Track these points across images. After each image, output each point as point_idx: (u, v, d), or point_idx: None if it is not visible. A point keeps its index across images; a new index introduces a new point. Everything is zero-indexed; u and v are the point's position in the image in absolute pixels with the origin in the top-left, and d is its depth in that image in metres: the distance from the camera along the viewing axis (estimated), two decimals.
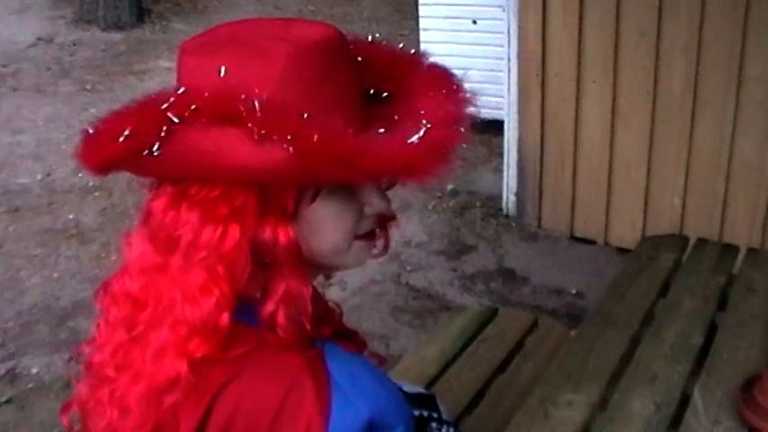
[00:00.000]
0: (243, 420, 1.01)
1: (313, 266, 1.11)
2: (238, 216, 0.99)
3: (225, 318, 1.01)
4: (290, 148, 0.91)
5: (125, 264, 1.08)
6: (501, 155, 4.66)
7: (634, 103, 4.03)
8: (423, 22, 5.81)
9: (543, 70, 4.25)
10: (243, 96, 0.93)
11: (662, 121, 3.97)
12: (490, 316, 2.74)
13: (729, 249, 2.55)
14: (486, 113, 5.40)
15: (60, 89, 7.20)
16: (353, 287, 4.11)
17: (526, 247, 4.44)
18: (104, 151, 0.98)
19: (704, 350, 2.04)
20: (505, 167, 4.58)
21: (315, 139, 0.91)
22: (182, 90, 0.98)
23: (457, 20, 5.65)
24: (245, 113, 0.92)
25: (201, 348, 1.01)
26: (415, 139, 0.95)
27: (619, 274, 2.46)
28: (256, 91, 0.94)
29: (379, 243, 1.19)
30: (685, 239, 2.64)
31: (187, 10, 10.12)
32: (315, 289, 1.22)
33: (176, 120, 0.94)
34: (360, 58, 1.09)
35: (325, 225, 1.07)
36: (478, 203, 4.88)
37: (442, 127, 0.97)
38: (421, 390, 1.76)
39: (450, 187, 5.11)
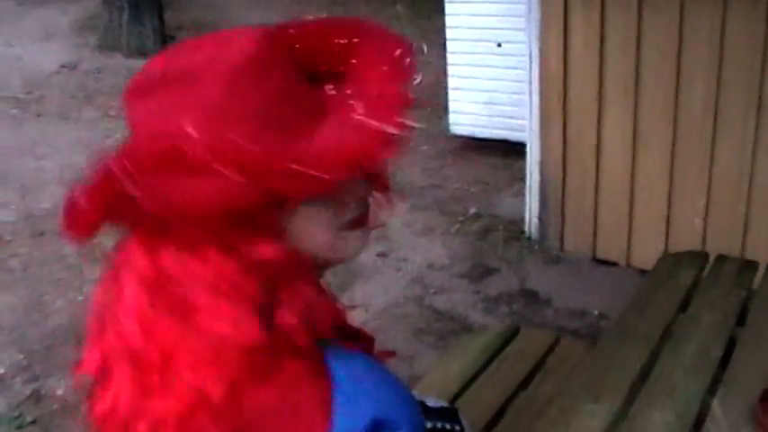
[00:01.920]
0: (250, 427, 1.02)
1: (316, 267, 1.11)
2: (226, 245, 0.98)
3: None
4: (237, 175, 0.90)
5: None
6: (523, 179, 4.69)
7: (655, 125, 4.05)
8: (449, 46, 5.88)
9: (565, 93, 4.28)
10: (177, 135, 0.92)
11: (683, 143, 3.99)
12: (512, 335, 2.76)
13: (749, 265, 2.56)
14: (511, 136, 5.45)
15: (84, 115, 7.31)
16: (377, 309, 4.14)
17: (549, 269, 4.45)
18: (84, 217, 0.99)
19: (723, 363, 2.05)
20: (528, 190, 4.61)
21: (257, 159, 0.91)
22: (121, 149, 0.97)
23: (482, 43, 5.71)
24: (183, 152, 0.91)
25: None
26: (354, 133, 0.94)
27: (639, 290, 2.47)
28: (189, 127, 0.92)
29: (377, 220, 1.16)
30: (705, 256, 2.65)
31: None
32: (321, 289, 1.24)
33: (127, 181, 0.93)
34: (298, 45, 1.07)
35: (310, 226, 1.07)
36: (501, 227, 4.90)
37: (383, 115, 0.94)
38: (444, 404, 1.77)
39: (473, 211, 5.14)
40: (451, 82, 5.94)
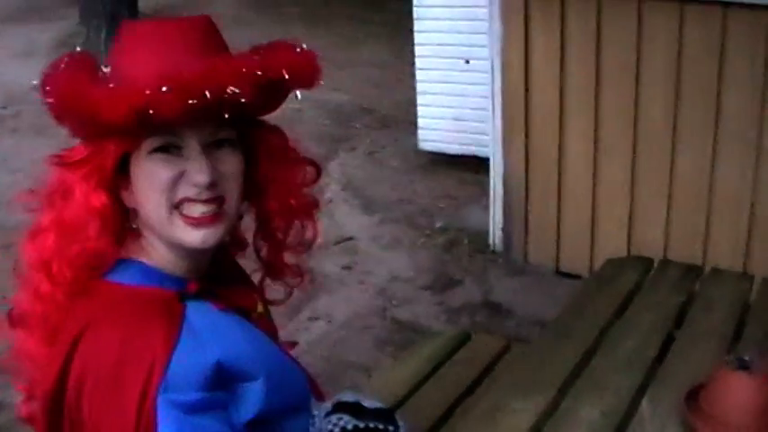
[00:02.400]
0: (92, 365, 1.08)
1: (164, 239, 1.18)
2: (73, 169, 1.16)
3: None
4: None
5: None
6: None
7: (616, 136, 4.06)
8: (418, 62, 5.89)
9: (527, 105, 4.30)
10: None
11: (644, 153, 4.00)
12: (463, 340, 2.75)
13: (692, 269, 2.56)
14: (480, 152, 5.46)
15: (60, 131, 7.21)
16: (339, 321, 4.12)
17: (512, 281, 4.44)
18: None
19: (658, 364, 2.05)
20: (491, 202, 4.61)
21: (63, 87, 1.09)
22: None
23: (450, 59, 5.72)
24: None
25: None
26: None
27: (579, 292, 2.47)
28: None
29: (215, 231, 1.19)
30: (650, 261, 2.65)
31: None
32: (229, 259, 1.37)
33: None
34: None
35: (145, 186, 1.15)
36: (466, 240, 4.89)
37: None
38: (380, 405, 1.77)
39: (439, 224, 5.14)
40: (420, 98, 5.95)
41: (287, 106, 1.30)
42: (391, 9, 10.45)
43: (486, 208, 4.81)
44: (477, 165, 5.61)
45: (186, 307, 1.13)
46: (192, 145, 1.14)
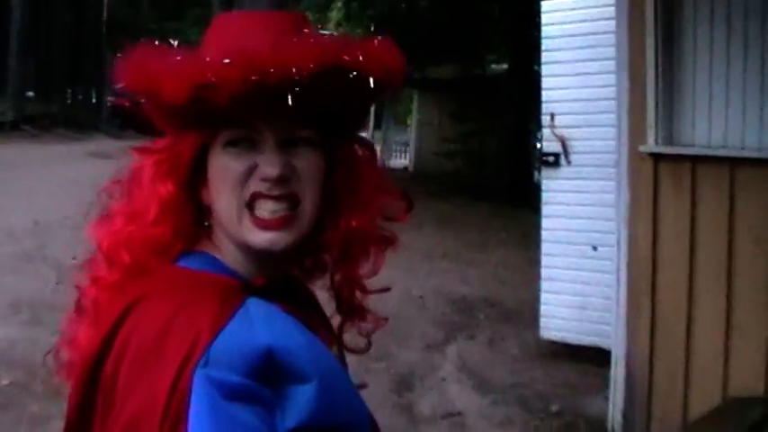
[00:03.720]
0: (137, 335, 0.99)
1: (233, 239, 1.11)
2: (148, 158, 1.13)
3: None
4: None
5: None
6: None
7: (751, 316, 3.78)
8: (544, 248, 5.81)
9: (653, 279, 4.09)
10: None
11: None
12: None
13: None
14: (603, 343, 5.20)
15: None
16: None
17: None
18: None
19: None
20: (612, 384, 4.30)
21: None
22: None
23: (577, 246, 5.61)
24: None
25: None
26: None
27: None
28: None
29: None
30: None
31: None
32: (294, 277, 1.25)
33: None
34: None
35: (217, 181, 1.09)
36: (583, 425, 4.57)
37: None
38: None
39: (555, 408, 4.84)
40: (545, 285, 5.81)
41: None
42: (522, 218, 10.56)
43: (608, 398, 4.50)
44: (602, 357, 5.33)
45: (247, 297, 1.03)
46: (267, 139, 1.07)
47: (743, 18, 3.97)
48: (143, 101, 1.07)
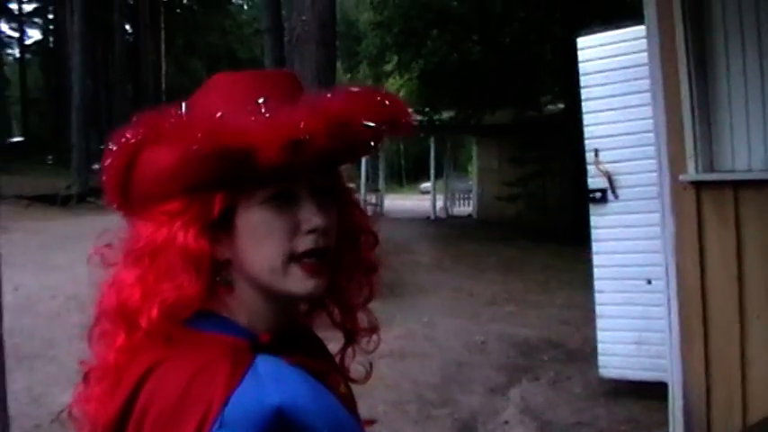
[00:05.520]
0: (156, 401, 1.03)
1: (264, 290, 1.14)
2: (171, 221, 1.11)
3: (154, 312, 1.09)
4: (179, 145, 1.05)
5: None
6: None
7: None
8: (597, 284, 5.77)
9: (704, 309, 4.05)
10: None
11: None
12: None
13: None
14: (664, 377, 5.11)
15: None
16: None
17: None
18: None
19: None
20: (670, 415, 4.24)
21: (195, 130, 1.03)
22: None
23: (630, 281, 5.57)
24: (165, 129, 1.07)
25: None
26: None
27: None
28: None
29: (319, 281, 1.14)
30: None
31: None
32: (303, 326, 1.30)
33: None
34: None
35: (257, 236, 1.11)
36: None
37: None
38: None
39: None
40: (600, 322, 5.76)
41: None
42: (585, 259, 10.44)
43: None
44: (664, 391, 5.24)
45: (256, 356, 1.08)
46: (305, 193, 1.12)
47: None
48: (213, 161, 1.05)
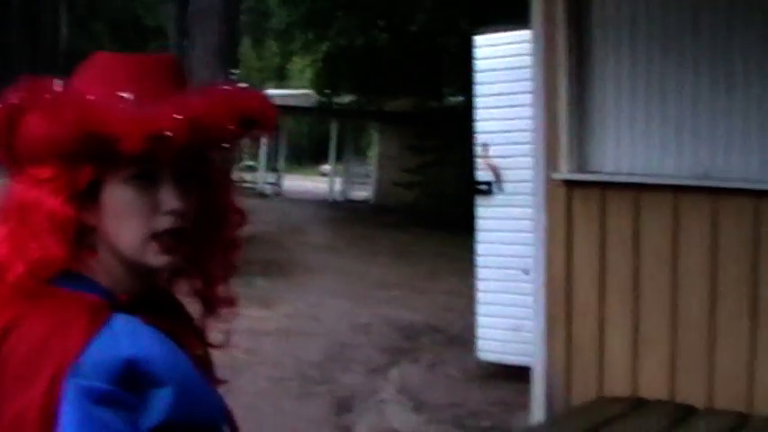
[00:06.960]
0: (14, 355, 1.14)
1: (124, 259, 1.24)
2: (40, 186, 1.20)
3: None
4: (51, 119, 1.15)
5: None
6: None
7: (655, 328, 4.04)
8: (480, 273, 6.05)
9: (568, 297, 4.34)
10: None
11: (683, 345, 3.95)
12: None
13: None
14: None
15: None
16: None
17: None
18: None
19: None
20: (532, 395, 4.52)
21: (66, 111, 1.14)
22: None
23: (510, 270, 5.83)
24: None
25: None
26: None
27: None
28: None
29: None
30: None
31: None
32: (164, 290, 1.39)
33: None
34: None
35: (120, 212, 1.22)
36: None
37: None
38: None
39: (487, 424, 5.05)
40: (480, 309, 6.03)
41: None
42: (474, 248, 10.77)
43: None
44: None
45: (113, 314, 1.19)
46: (167, 176, 1.22)
47: (646, 54, 4.27)
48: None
